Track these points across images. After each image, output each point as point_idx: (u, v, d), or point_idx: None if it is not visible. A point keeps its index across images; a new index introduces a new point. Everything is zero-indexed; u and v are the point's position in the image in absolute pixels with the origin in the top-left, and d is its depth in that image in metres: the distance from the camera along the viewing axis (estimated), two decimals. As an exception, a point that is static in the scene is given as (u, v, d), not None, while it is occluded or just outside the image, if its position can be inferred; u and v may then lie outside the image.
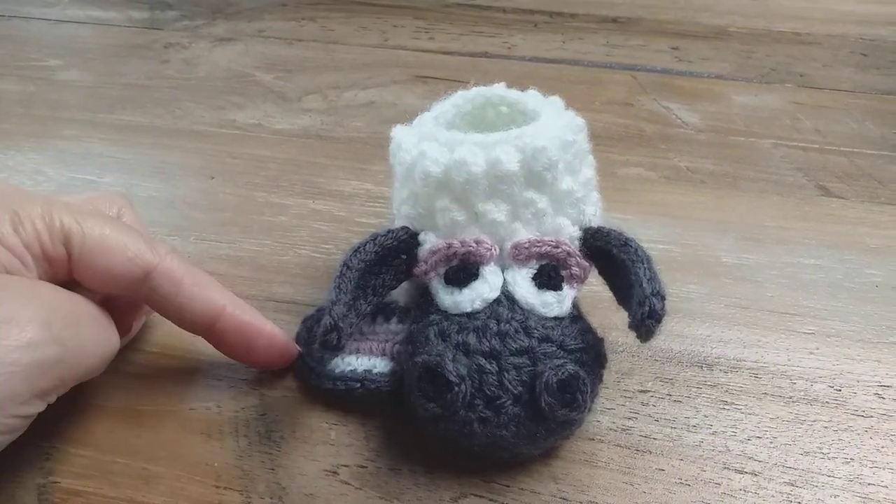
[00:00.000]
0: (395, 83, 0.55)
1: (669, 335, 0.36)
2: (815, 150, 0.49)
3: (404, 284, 0.34)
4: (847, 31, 0.61)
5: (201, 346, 0.36)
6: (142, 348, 0.36)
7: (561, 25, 0.62)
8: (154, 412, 0.33)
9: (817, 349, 0.36)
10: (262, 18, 0.64)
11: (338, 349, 0.29)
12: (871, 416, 0.33)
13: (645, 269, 0.29)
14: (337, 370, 0.33)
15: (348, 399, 0.33)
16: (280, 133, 0.51)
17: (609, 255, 0.31)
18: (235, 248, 0.42)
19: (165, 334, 0.37)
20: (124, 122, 0.52)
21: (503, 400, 0.28)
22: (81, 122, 0.52)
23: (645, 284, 0.28)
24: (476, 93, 0.36)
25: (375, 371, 0.33)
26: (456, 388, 0.28)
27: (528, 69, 0.57)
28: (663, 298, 0.28)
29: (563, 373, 0.28)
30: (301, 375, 0.34)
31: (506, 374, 0.28)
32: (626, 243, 0.31)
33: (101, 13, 0.66)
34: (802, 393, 0.34)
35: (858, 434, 0.32)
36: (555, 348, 0.29)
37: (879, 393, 0.34)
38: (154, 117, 0.52)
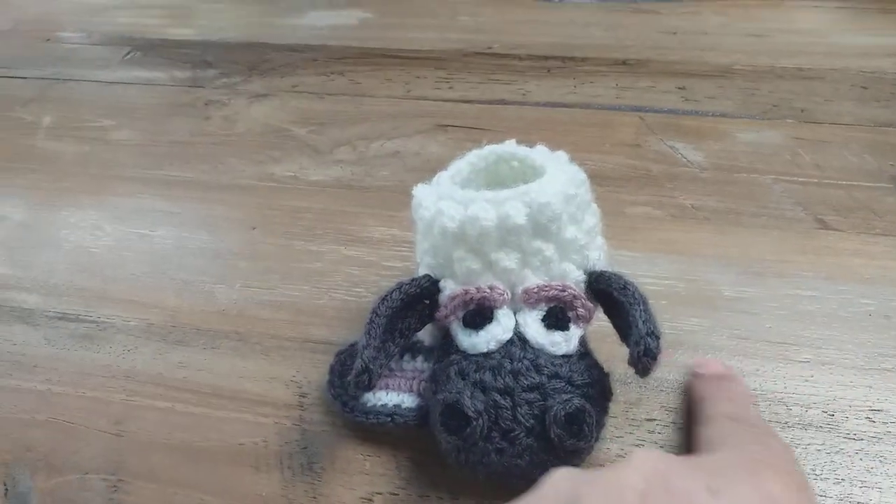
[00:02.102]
0: (418, 133, 0.59)
1: (674, 367, 0.39)
2: (813, 185, 0.51)
3: (429, 326, 0.38)
4: (848, 65, 0.64)
5: (248, 387, 0.40)
6: (196, 389, 0.40)
7: (572, 70, 0.66)
8: (208, 448, 0.37)
9: (812, 377, 0.39)
10: (294, 74, 0.69)
11: (369, 389, 0.33)
12: (862, 439, 0.36)
13: (641, 311, 0.32)
14: (369, 404, 0.37)
15: (380, 430, 0.36)
16: (314, 184, 0.55)
17: (611, 297, 0.35)
18: (276, 293, 0.46)
19: (217, 376, 0.41)
20: (172, 177, 0.57)
21: (517, 432, 0.32)
22: (133, 179, 0.57)
23: (641, 325, 0.32)
24: (489, 151, 0.40)
25: (404, 406, 0.36)
26: (474, 423, 0.31)
27: (542, 115, 0.60)
28: (658, 338, 0.31)
29: (570, 406, 0.31)
30: (336, 407, 0.38)
31: (519, 409, 0.32)
32: (625, 286, 0.34)
33: (147, 73, 0.72)
34: (798, 418, 0.37)
35: (850, 456, 0.35)
36: (563, 384, 0.33)
37: (870, 417, 0.37)
38: (199, 172, 0.57)
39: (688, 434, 0.36)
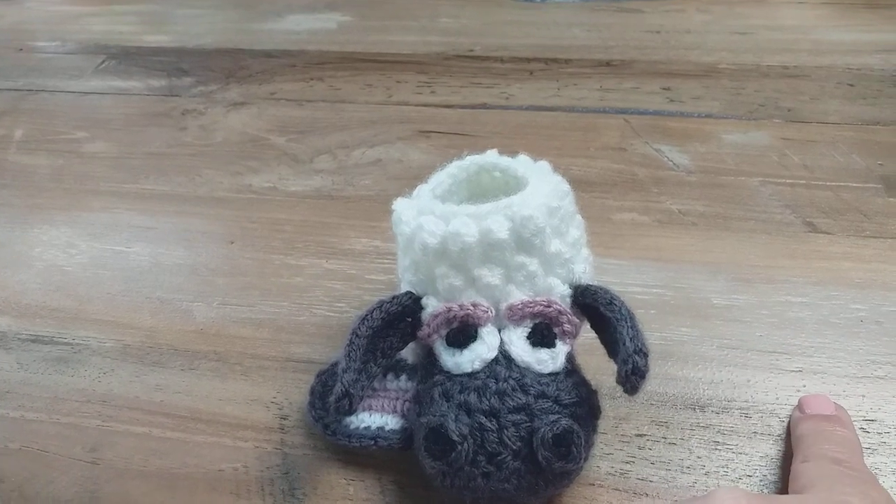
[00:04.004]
0: (400, 139, 0.58)
1: (664, 379, 0.39)
2: (802, 186, 0.51)
3: (412, 343, 0.37)
4: (834, 62, 0.63)
5: (228, 409, 0.39)
6: (172, 413, 0.39)
7: (556, 72, 0.65)
8: (187, 474, 0.36)
9: (804, 386, 0.38)
10: (272, 81, 0.67)
11: (350, 413, 0.32)
12: (857, 450, 0.35)
13: (628, 327, 0.31)
14: (352, 426, 0.36)
15: (364, 453, 0.35)
16: (294, 195, 0.54)
17: (597, 312, 0.34)
18: (256, 311, 0.45)
19: (195, 399, 0.40)
20: (148, 191, 0.56)
21: (504, 455, 0.31)
22: (109, 194, 0.56)
23: (628, 343, 0.31)
24: (470, 161, 0.39)
25: (388, 428, 0.35)
26: (459, 447, 0.30)
27: (525, 118, 0.59)
28: (646, 356, 0.30)
29: (557, 428, 0.30)
30: (318, 429, 0.36)
31: (505, 431, 0.31)
32: (611, 301, 0.33)
33: (122, 83, 0.70)
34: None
35: (844, 468, 0.34)
36: (550, 403, 0.32)
37: (864, 427, 0.36)
38: (176, 185, 0.56)
39: (785, 471, 0.34)
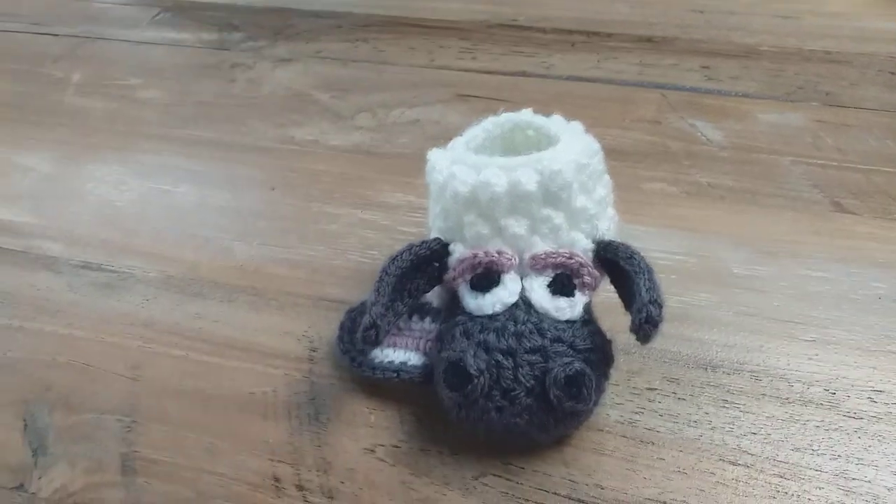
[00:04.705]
0: (439, 102, 0.60)
1: (678, 339, 0.40)
2: (833, 168, 0.51)
3: (438, 288, 0.39)
4: (877, 50, 0.63)
5: (261, 339, 0.41)
6: (211, 340, 0.41)
7: (597, 45, 0.66)
8: (220, 395, 0.39)
9: (816, 355, 0.39)
10: (319, 40, 0.69)
11: (376, 344, 0.34)
12: (862, 418, 0.36)
13: (645, 279, 0.33)
14: (376, 360, 0.38)
15: (386, 385, 0.37)
16: (334, 149, 0.56)
17: (617, 266, 0.35)
18: (293, 252, 0.47)
19: (232, 328, 0.42)
20: (196, 136, 0.58)
21: (517, 392, 0.32)
22: (158, 137, 0.58)
23: (644, 293, 0.32)
24: (505, 118, 0.41)
25: (410, 364, 0.37)
26: (475, 380, 0.32)
27: (563, 88, 0.60)
28: (660, 306, 0.32)
29: (570, 369, 0.32)
30: (345, 361, 0.39)
31: (520, 370, 0.33)
32: (631, 256, 0.34)
33: (175, 35, 0.73)
34: (798, 395, 0.37)
35: (848, 434, 0.35)
36: (565, 347, 0.34)
37: (872, 397, 0.37)
38: (222, 133, 0.58)
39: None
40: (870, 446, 0.35)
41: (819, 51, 0.63)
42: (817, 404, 0.37)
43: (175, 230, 0.49)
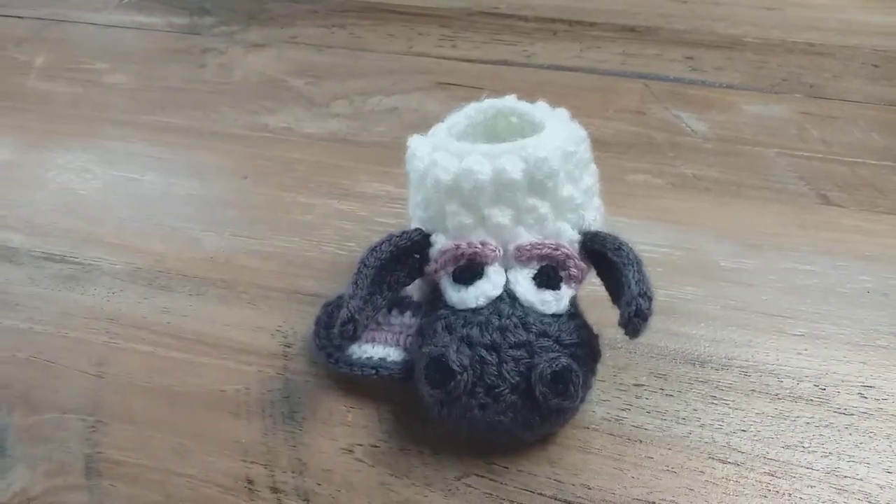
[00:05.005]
0: (418, 90, 0.58)
1: (665, 334, 0.39)
2: (818, 160, 0.50)
3: (419, 281, 0.37)
4: (861, 42, 0.62)
5: (232, 334, 0.39)
6: (179, 335, 0.40)
7: (580, 34, 0.64)
8: (188, 392, 0.37)
9: (806, 350, 0.38)
10: (294, 25, 0.67)
11: (354, 339, 0.33)
12: (853, 414, 0.35)
13: (634, 271, 0.31)
14: (354, 356, 0.36)
15: (364, 382, 0.36)
16: (309, 137, 0.54)
17: (604, 257, 0.34)
18: (265, 244, 0.45)
19: (201, 322, 0.40)
20: (164, 123, 0.56)
21: (502, 388, 0.31)
22: (125, 123, 0.56)
23: (633, 286, 0.31)
24: (488, 104, 0.39)
25: (389, 360, 0.36)
26: (458, 377, 0.31)
27: (545, 77, 0.59)
28: (650, 299, 0.30)
29: (556, 365, 0.31)
30: (321, 358, 0.37)
31: (505, 365, 0.31)
32: (619, 247, 0.33)
33: (144, 18, 0.70)
34: (788, 391, 0.36)
35: (839, 430, 0.35)
36: (551, 342, 0.32)
37: (862, 393, 0.36)
38: (192, 120, 0.56)
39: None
40: (861, 443, 0.34)
41: (802, 42, 0.63)
42: (807, 400, 0.36)
43: (142, 220, 0.47)
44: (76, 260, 0.44)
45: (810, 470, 0.33)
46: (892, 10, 0.67)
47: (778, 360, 0.38)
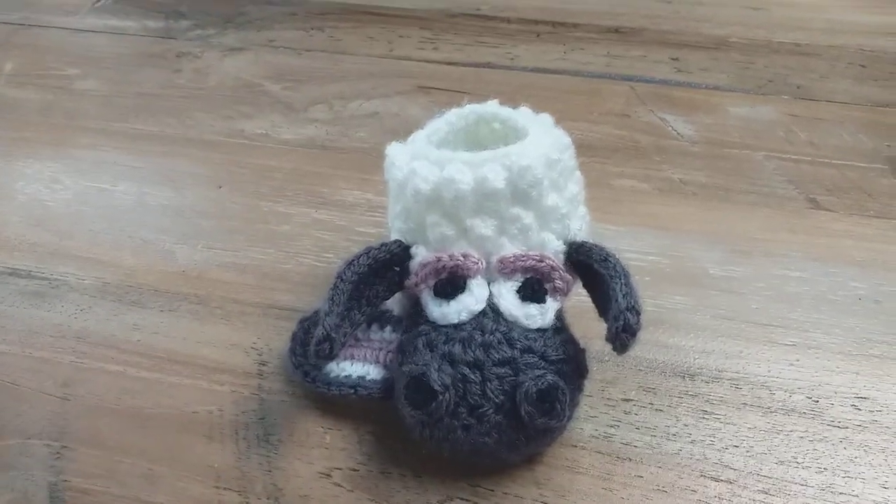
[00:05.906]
0: (398, 94, 0.57)
1: (654, 346, 0.38)
2: (807, 163, 0.49)
3: (399, 295, 0.36)
4: (847, 42, 0.62)
5: (205, 352, 0.38)
6: (150, 353, 0.38)
7: (563, 36, 0.63)
8: (159, 415, 0.35)
9: (797, 361, 0.37)
10: (271, 28, 0.66)
11: (330, 359, 0.31)
12: (847, 427, 0.34)
13: (622, 284, 0.30)
14: (332, 375, 0.35)
15: (342, 402, 0.34)
16: (286, 143, 0.52)
17: (591, 269, 0.33)
18: (241, 256, 0.44)
19: (173, 340, 0.39)
20: (137, 130, 0.54)
21: (485, 408, 0.30)
22: (96, 131, 0.54)
23: (621, 300, 0.30)
24: (469, 110, 0.38)
25: (368, 378, 0.34)
26: (440, 397, 0.29)
27: (528, 80, 0.58)
28: (638, 314, 0.29)
29: (542, 383, 0.29)
30: (297, 376, 0.35)
31: (488, 384, 0.30)
32: (606, 259, 0.32)
33: (118, 22, 0.68)
34: (781, 403, 0.35)
35: (833, 444, 0.34)
36: (536, 359, 0.31)
37: (856, 404, 0.35)
38: (165, 126, 0.54)
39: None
40: (856, 457, 0.33)
41: (788, 43, 0.62)
42: (800, 413, 0.35)
43: (112, 233, 0.45)
44: (43, 275, 0.43)
45: (805, 487, 0.32)
46: (878, 10, 0.66)
47: (769, 371, 0.37)
